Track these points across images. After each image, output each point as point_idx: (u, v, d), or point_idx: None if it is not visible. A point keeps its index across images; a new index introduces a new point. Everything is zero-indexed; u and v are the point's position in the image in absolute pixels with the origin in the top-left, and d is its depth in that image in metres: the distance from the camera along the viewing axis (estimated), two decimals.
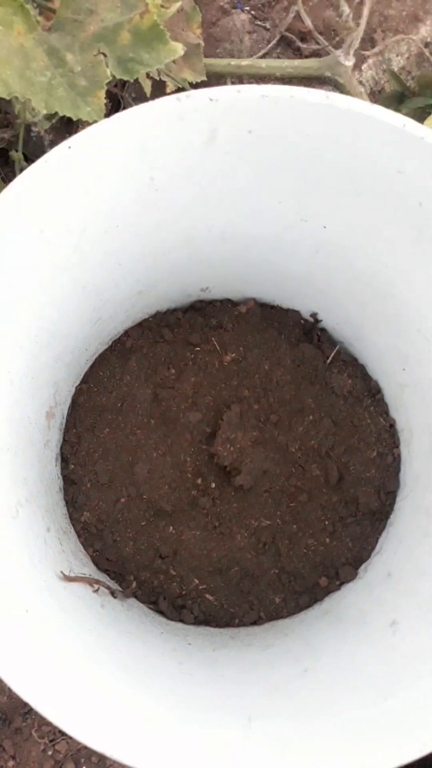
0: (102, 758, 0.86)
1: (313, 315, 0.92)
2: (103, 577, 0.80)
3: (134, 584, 0.79)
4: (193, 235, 0.75)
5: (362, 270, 0.76)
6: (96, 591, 0.72)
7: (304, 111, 0.55)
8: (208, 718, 0.52)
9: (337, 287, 0.83)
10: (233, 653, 0.72)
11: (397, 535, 0.82)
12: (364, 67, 0.94)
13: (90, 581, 0.72)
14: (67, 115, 0.60)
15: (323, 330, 0.93)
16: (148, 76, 0.85)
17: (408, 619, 0.64)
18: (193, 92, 0.52)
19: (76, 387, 0.87)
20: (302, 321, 0.94)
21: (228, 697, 0.58)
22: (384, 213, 0.65)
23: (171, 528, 0.84)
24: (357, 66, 0.94)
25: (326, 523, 0.85)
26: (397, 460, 0.88)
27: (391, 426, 0.90)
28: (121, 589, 0.79)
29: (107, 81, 0.62)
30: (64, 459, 0.84)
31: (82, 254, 0.65)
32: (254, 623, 0.83)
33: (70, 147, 0.51)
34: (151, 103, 0.52)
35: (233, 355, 0.89)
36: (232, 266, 0.84)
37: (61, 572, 0.66)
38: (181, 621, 0.81)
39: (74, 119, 0.62)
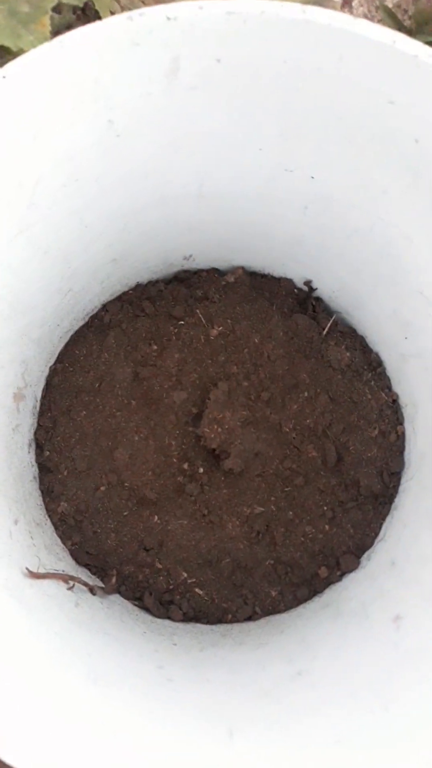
0: None
1: (307, 283, 0.85)
2: (82, 573, 0.74)
3: (115, 579, 0.72)
4: (167, 192, 0.67)
5: (355, 227, 0.69)
6: (71, 588, 0.66)
7: (279, 31, 0.47)
8: (185, 731, 0.46)
9: (330, 250, 0.75)
10: (223, 653, 0.65)
11: (402, 520, 0.75)
12: (354, 3, 0.85)
13: (63, 577, 0.65)
14: (6, 45, 0.53)
15: (318, 299, 0.86)
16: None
17: (412, 614, 0.57)
18: (146, 9, 0.45)
19: (50, 367, 0.80)
20: (295, 290, 0.86)
21: (211, 704, 0.51)
22: (376, 155, 0.57)
23: (156, 517, 0.77)
24: (347, 2, 0.86)
25: (325, 508, 0.78)
26: (400, 438, 0.81)
27: (394, 401, 0.82)
28: (102, 585, 0.72)
29: (52, 5, 0.55)
30: (39, 445, 0.78)
31: (39, 212, 0.58)
32: (249, 619, 0.76)
33: (4, 77, 0.44)
34: (97, 23, 0.45)
35: (220, 328, 0.81)
36: (214, 230, 0.77)
37: (27, 569, 0.60)
38: (169, 618, 0.74)
39: (14, 50, 0.55)
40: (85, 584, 0.68)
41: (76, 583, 0.67)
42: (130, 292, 0.85)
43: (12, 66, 0.44)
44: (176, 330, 0.81)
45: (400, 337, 0.77)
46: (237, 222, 0.75)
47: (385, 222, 0.65)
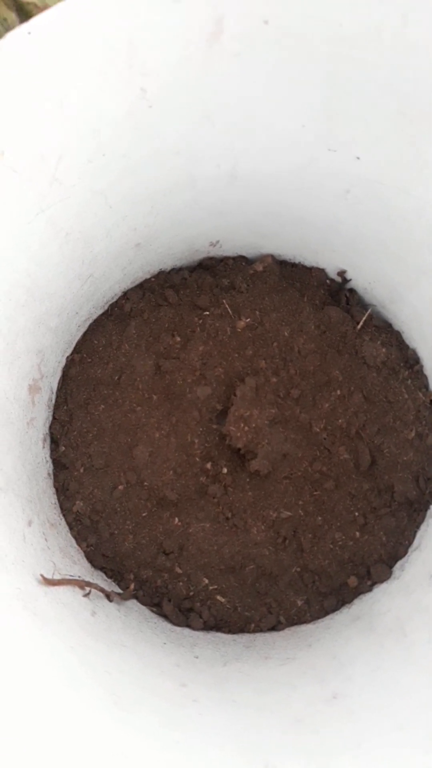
0: None
1: (341, 273, 0.80)
2: (98, 577, 0.70)
3: (133, 585, 0.68)
4: (198, 172, 0.62)
5: (402, 213, 0.63)
6: (87, 595, 0.62)
7: None
8: (214, 760, 0.41)
9: (370, 237, 0.70)
10: (247, 668, 0.61)
11: None
12: None
13: (80, 583, 0.61)
14: None
15: (352, 291, 0.81)
16: None
17: None
18: None
19: (67, 357, 0.75)
20: (328, 281, 0.81)
21: (240, 731, 0.47)
22: (429, 127, 0.52)
23: (176, 519, 0.72)
24: None
25: (356, 514, 0.74)
26: None
27: None
28: (119, 591, 0.68)
29: None
30: (54, 440, 0.73)
31: (61, 190, 0.53)
32: (273, 629, 0.72)
33: (30, 33, 0.39)
34: None
35: (248, 320, 0.76)
36: (245, 214, 0.71)
37: (41, 576, 0.55)
38: (189, 626, 0.70)
39: (39, 5, 0.49)
40: (102, 590, 0.64)
41: (93, 590, 0.62)
42: (153, 279, 0.80)
43: (37, 21, 0.39)
44: (201, 321, 0.76)
45: None
46: (270, 206, 0.70)
47: None
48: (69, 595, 0.58)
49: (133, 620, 0.65)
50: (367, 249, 0.73)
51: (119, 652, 0.55)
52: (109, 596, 0.65)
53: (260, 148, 0.59)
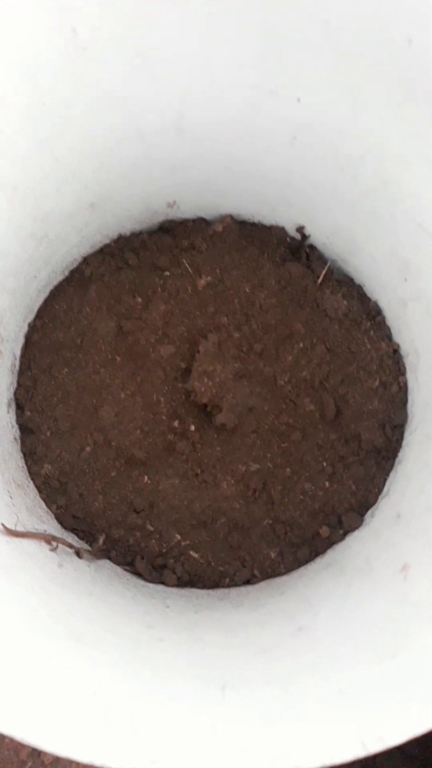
0: None
1: (300, 230, 0.80)
2: (69, 538, 0.70)
3: (102, 540, 0.68)
4: (144, 125, 0.63)
5: (348, 156, 0.64)
6: (54, 549, 0.62)
7: None
8: (173, 689, 0.42)
9: (322, 186, 0.70)
10: (218, 615, 0.61)
11: (406, 473, 0.71)
12: None
13: (46, 538, 0.61)
14: None
15: (312, 247, 0.81)
16: None
17: (421, 563, 0.53)
18: None
19: (29, 324, 0.76)
20: (288, 239, 0.82)
21: (204, 664, 0.47)
22: (366, 67, 0.52)
23: (146, 478, 0.73)
24: None
25: (324, 464, 0.74)
26: (403, 389, 0.76)
27: (395, 352, 0.78)
28: (88, 548, 0.68)
29: None
30: (19, 405, 0.74)
31: (3, 139, 0.53)
32: (247, 582, 0.72)
33: None
34: None
35: (208, 278, 0.77)
36: (198, 170, 0.72)
37: (3, 525, 0.55)
38: (162, 583, 0.70)
39: None
40: (70, 545, 0.64)
41: (61, 545, 0.63)
42: (112, 244, 0.80)
43: None
44: (161, 281, 0.77)
45: (400, 280, 0.72)
46: (221, 160, 0.70)
47: (380, 146, 0.60)
48: (34, 547, 0.58)
49: (103, 576, 0.65)
50: (322, 199, 0.73)
51: (86, 599, 0.55)
52: (78, 553, 0.65)
53: (202, 96, 0.60)
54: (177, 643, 0.51)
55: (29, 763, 0.75)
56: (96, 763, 0.31)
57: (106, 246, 0.80)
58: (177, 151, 0.68)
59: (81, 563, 0.64)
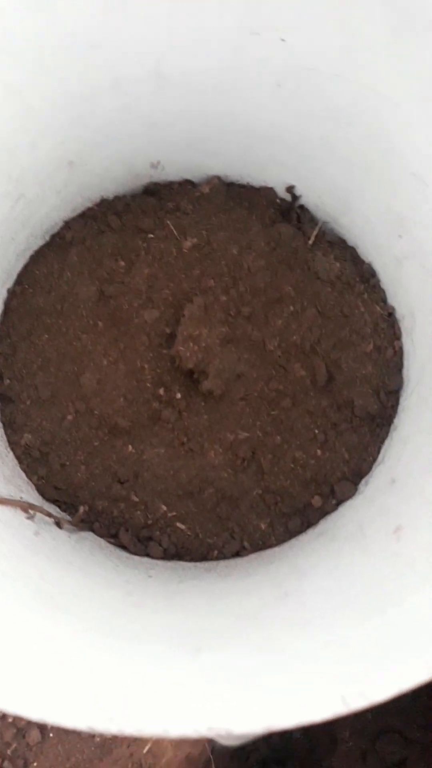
0: None
1: (290, 189, 0.77)
2: (51, 509, 0.67)
3: (83, 509, 0.65)
4: (121, 72, 0.59)
5: (338, 103, 0.61)
6: (31, 518, 0.59)
7: None
8: (144, 652, 0.39)
9: (312, 140, 0.67)
10: (204, 584, 0.58)
11: (402, 438, 0.68)
12: None
13: (22, 505, 0.59)
14: None
15: (303, 208, 0.78)
16: None
17: (415, 524, 0.50)
18: None
19: (8, 290, 0.73)
20: (278, 200, 0.78)
21: (181, 627, 0.44)
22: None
23: (130, 447, 0.70)
24: None
25: (316, 432, 0.71)
26: (398, 354, 0.73)
27: (390, 315, 0.75)
28: (69, 518, 0.65)
29: None
30: None
31: None
32: (236, 554, 0.69)
33: None
34: None
35: (194, 240, 0.74)
36: (180, 125, 0.69)
37: None
38: (148, 555, 0.67)
39: None
40: (49, 515, 0.61)
41: (39, 513, 0.60)
42: (95, 207, 0.77)
43: None
44: (145, 244, 0.74)
45: (394, 237, 0.69)
46: (204, 113, 0.67)
47: (371, 90, 0.57)
48: (9, 515, 0.56)
49: (84, 547, 0.62)
50: (313, 156, 0.70)
51: (62, 567, 0.52)
52: (59, 523, 0.63)
53: (181, 40, 0.57)
54: (156, 609, 0.49)
55: (14, 745, 0.72)
56: (48, 720, 0.28)
57: (89, 210, 0.77)
58: (158, 104, 0.65)
59: (61, 533, 0.61)
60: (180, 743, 0.79)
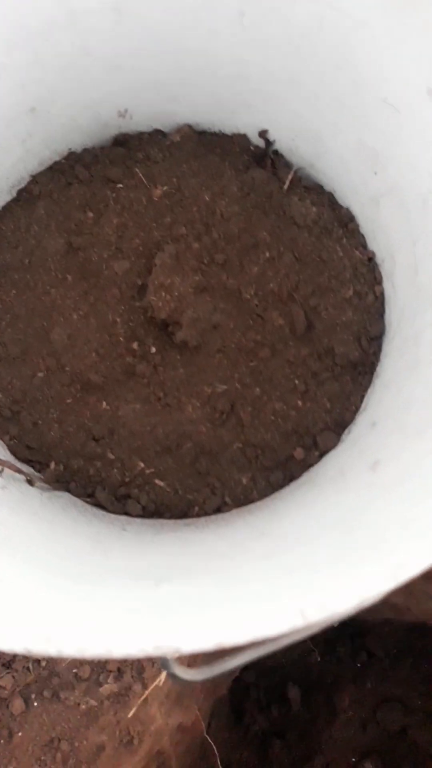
0: (56, 692, 0.72)
1: (263, 134, 0.74)
2: (25, 470, 0.65)
3: (54, 465, 0.63)
4: (76, 5, 0.57)
5: (303, 27, 0.58)
6: None
7: None
8: (101, 585, 0.37)
9: (279, 74, 0.64)
10: (180, 534, 0.56)
11: (384, 383, 0.65)
12: None
13: None
14: None
15: (277, 153, 0.75)
16: None
17: (393, 456, 0.47)
18: None
19: None
20: (251, 147, 0.76)
21: (147, 566, 0.42)
22: None
23: (104, 403, 0.67)
24: None
25: (296, 382, 0.69)
26: (379, 299, 0.71)
27: (370, 260, 0.72)
28: (40, 476, 0.63)
29: None
30: None
31: None
32: (218, 510, 0.67)
33: None
34: None
35: (165, 188, 0.71)
36: (145, 67, 0.66)
37: None
38: (126, 513, 0.65)
39: None
40: (19, 471, 0.59)
41: (7, 469, 0.58)
42: (63, 161, 0.74)
43: None
44: (114, 194, 0.71)
45: (370, 175, 0.66)
46: (167, 51, 0.64)
47: (335, 10, 0.54)
48: None
49: (57, 504, 0.60)
50: (281, 95, 0.67)
51: (27, 517, 0.50)
52: (30, 481, 0.60)
53: None
54: (124, 556, 0.46)
55: None
56: None
57: (56, 163, 0.74)
58: (118, 43, 0.62)
59: (31, 490, 0.59)
60: (170, 710, 0.77)
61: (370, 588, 0.27)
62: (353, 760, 1.09)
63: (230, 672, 0.45)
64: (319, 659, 1.15)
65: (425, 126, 0.55)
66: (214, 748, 0.92)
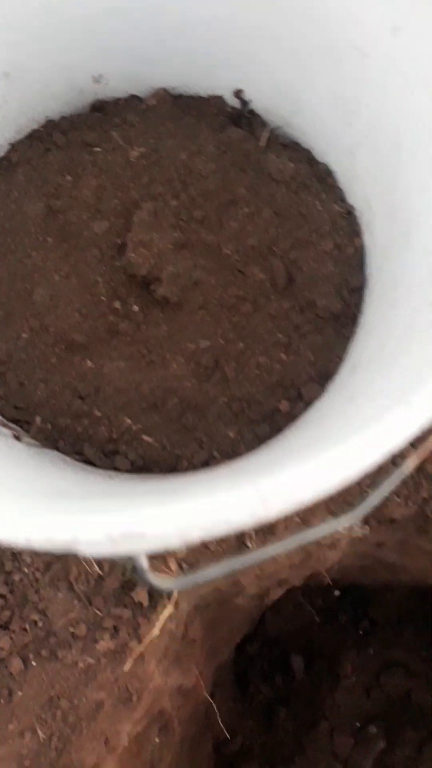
0: (53, 651, 0.73)
1: (238, 94, 0.75)
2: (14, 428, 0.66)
3: (39, 420, 0.64)
4: None
5: None
6: None
7: None
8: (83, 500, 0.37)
9: (255, 31, 0.65)
10: (165, 480, 0.56)
11: (366, 332, 0.66)
12: None
13: None
14: None
15: (253, 112, 0.76)
16: None
17: (367, 364, 0.47)
18: None
19: None
20: (228, 108, 0.76)
21: (127, 491, 0.42)
22: None
23: (88, 362, 0.68)
24: None
25: (279, 335, 0.69)
26: (359, 251, 0.71)
27: (349, 213, 0.72)
28: (26, 432, 0.64)
29: None
30: None
31: None
32: (206, 464, 0.67)
33: None
34: None
35: (141, 149, 0.72)
36: (117, 30, 0.67)
37: None
38: (115, 469, 0.66)
39: None
40: (5, 425, 0.59)
41: None
42: (41, 129, 0.75)
43: None
44: (91, 157, 0.72)
45: (344, 127, 0.67)
46: (138, 10, 0.65)
47: None
48: None
49: (44, 457, 0.61)
50: (255, 50, 0.68)
51: (11, 464, 0.51)
52: (17, 436, 0.61)
53: None
54: (102, 494, 0.47)
55: None
56: None
57: (35, 131, 0.75)
58: (87, 1, 0.63)
59: (17, 443, 0.60)
60: (168, 669, 0.78)
61: (333, 478, 0.28)
62: (357, 725, 1.10)
63: (209, 582, 0.45)
64: (321, 626, 1.16)
65: (391, 67, 0.56)
66: (217, 713, 0.93)
